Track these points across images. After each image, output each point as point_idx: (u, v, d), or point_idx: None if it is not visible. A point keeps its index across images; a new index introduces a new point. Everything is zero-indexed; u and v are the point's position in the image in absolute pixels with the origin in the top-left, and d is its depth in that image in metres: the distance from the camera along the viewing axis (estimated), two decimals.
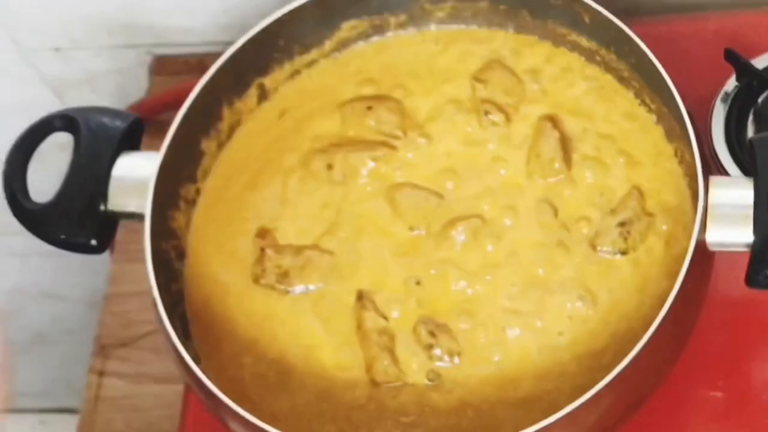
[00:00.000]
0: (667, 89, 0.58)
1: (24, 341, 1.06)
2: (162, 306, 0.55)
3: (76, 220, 0.58)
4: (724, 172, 0.66)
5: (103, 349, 0.70)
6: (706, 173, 0.56)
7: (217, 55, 0.62)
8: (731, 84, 0.68)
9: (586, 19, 0.62)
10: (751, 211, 0.54)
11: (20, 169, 0.59)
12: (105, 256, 0.74)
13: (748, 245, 0.54)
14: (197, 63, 0.79)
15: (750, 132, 0.67)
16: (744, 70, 0.68)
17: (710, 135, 0.67)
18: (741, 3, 0.73)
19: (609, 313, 0.57)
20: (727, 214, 0.55)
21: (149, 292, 0.56)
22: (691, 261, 0.54)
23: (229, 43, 0.63)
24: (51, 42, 0.81)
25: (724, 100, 0.68)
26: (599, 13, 0.61)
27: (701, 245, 0.55)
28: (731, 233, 0.55)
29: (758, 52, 0.69)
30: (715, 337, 0.63)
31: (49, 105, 0.84)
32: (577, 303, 0.58)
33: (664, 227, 0.59)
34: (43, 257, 0.96)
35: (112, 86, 0.84)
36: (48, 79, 0.85)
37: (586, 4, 0.62)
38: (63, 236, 0.58)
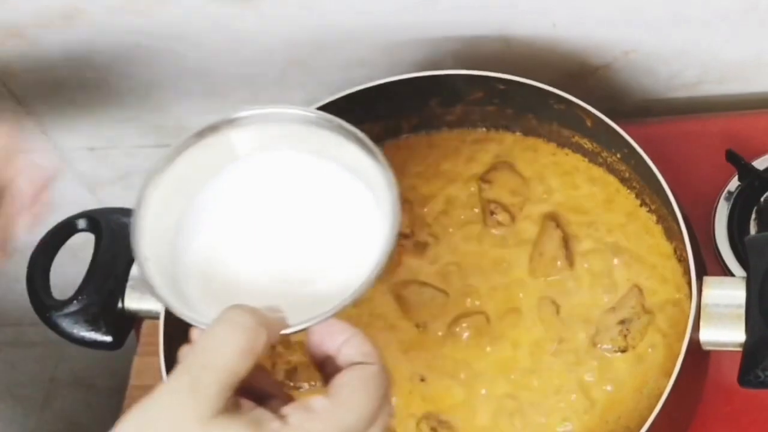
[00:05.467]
0: (663, 191, 0.60)
1: (58, 430, 1.08)
2: None
3: (93, 318, 0.60)
4: (727, 270, 0.67)
5: None
6: (700, 273, 0.57)
7: None
8: (734, 183, 0.69)
9: (588, 123, 0.64)
10: (743, 311, 0.55)
11: (42, 268, 0.61)
12: (134, 346, 0.77)
13: (740, 345, 0.55)
14: None
15: (752, 230, 0.68)
16: (745, 170, 0.69)
17: (713, 233, 0.68)
18: (741, 106, 0.74)
19: (607, 411, 0.58)
20: (720, 314, 0.56)
21: None
22: (684, 360, 0.55)
23: None
24: (86, 142, 0.85)
25: (727, 199, 0.69)
26: (599, 117, 0.63)
27: (695, 344, 0.56)
28: (724, 333, 0.56)
29: (760, 153, 0.70)
30: (717, 429, 0.63)
31: (83, 201, 0.88)
32: (576, 401, 0.59)
33: (663, 326, 0.60)
34: (77, 346, 0.98)
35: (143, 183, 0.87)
36: (82, 177, 0.88)
37: (587, 110, 0.63)
38: (80, 334, 0.60)
